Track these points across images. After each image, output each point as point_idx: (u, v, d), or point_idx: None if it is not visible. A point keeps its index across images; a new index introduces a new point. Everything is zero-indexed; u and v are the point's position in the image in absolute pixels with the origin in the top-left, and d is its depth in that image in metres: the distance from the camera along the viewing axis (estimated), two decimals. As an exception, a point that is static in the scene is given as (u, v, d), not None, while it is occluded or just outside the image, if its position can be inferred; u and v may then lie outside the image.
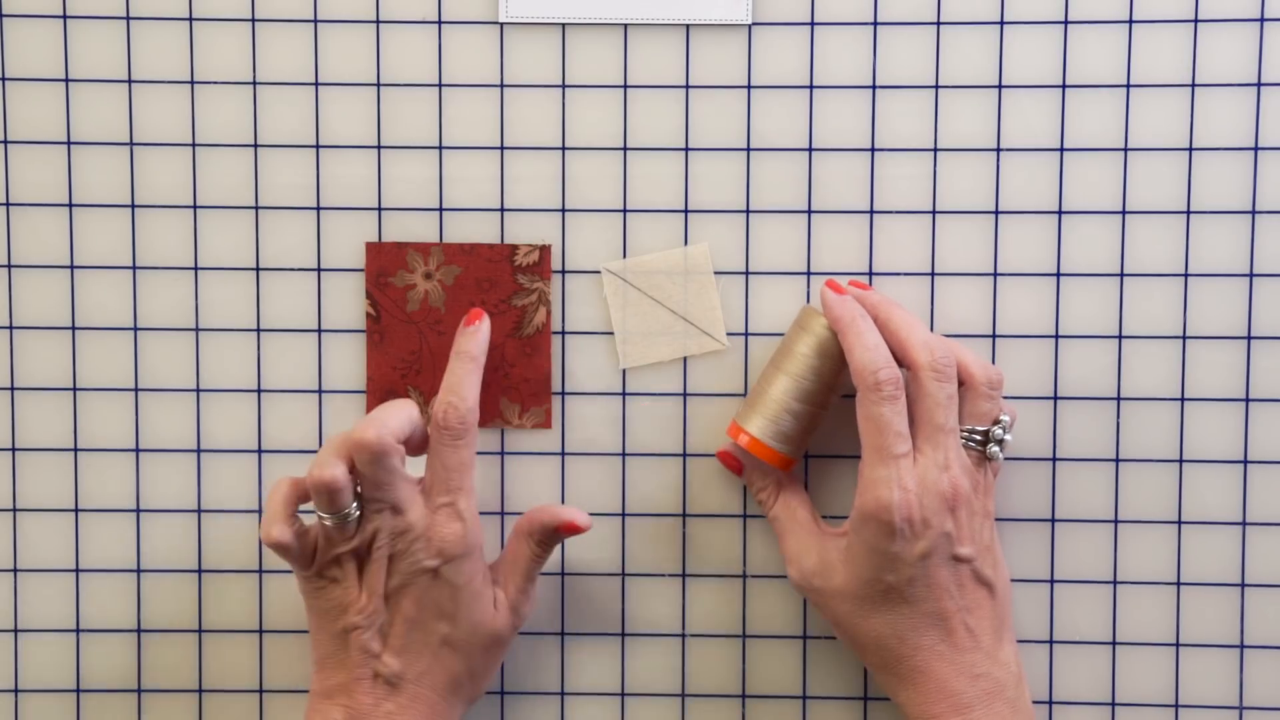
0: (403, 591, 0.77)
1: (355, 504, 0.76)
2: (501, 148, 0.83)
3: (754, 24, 0.83)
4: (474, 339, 0.81)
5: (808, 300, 0.83)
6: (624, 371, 0.84)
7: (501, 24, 0.83)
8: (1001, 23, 0.82)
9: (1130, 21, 0.82)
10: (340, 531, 0.76)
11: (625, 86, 0.83)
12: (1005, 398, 0.80)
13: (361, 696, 0.77)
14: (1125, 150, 0.82)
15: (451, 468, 0.77)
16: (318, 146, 0.84)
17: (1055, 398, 0.83)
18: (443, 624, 0.77)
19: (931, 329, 0.83)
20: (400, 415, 0.77)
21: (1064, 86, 0.82)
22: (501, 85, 0.83)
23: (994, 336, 0.83)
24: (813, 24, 0.83)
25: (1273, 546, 0.84)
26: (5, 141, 0.84)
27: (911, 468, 0.76)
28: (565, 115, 0.83)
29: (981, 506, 0.78)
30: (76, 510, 0.85)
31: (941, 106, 0.83)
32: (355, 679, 0.77)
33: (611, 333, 0.84)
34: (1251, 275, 0.83)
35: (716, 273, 0.84)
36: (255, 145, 0.84)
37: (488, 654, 0.79)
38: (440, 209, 0.84)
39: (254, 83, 0.83)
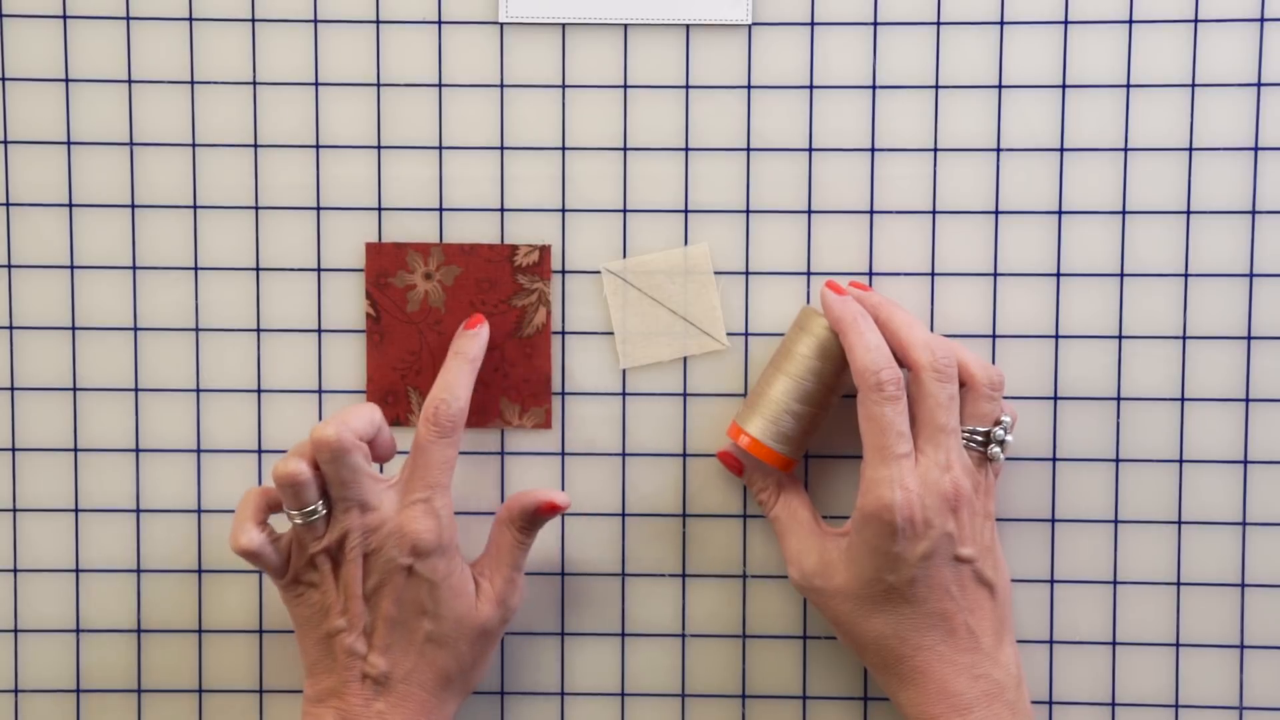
0: (381, 590, 0.77)
1: (322, 502, 0.76)
2: (501, 148, 0.83)
3: (754, 24, 0.83)
4: (473, 341, 0.81)
5: (808, 300, 0.83)
6: (624, 371, 0.84)
7: (501, 24, 0.83)
8: (1001, 23, 0.82)
9: (1130, 21, 0.82)
10: (310, 531, 0.76)
11: (625, 86, 0.83)
12: (1005, 398, 0.80)
13: (352, 698, 0.77)
14: (1125, 150, 0.82)
15: (433, 464, 0.77)
16: (318, 146, 0.84)
17: (1055, 398, 0.83)
18: (425, 621, 0.77)
19: (931, 329, 0.83)
20: (362, 417, 0.77)
21: (1064, 86, 0.82)
22: (501, 85, 0.83)
23: (994, 336, 0.83)
24: (813, 24, 0.83)
25: (1273, 546, 0.84)
26: (5, 141, 0.84)
27: (913, 468, 0.76)
28: (565, 115, 0.83)
29: (982, 507, 0.78)
30: (76, 510, 0.85)
31: (941, 106, 0.83)
32: (344, 682, 0.77)
33: (611, 333, 0.84)
34: (1251, 275, 0.83)
35: (716, 273, 0.84)
36: (255, 145, 0.84)
37: (475, 647, 0.79)
38: (440, 209, 0.84)
39: (254, 83, 0.83)
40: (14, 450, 0.85)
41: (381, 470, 0.82)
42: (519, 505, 0.80)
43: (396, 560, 0.76)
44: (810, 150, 0.83)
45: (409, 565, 0.76)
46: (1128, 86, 0.82)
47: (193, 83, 0.83)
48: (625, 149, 0.83)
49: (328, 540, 0.76)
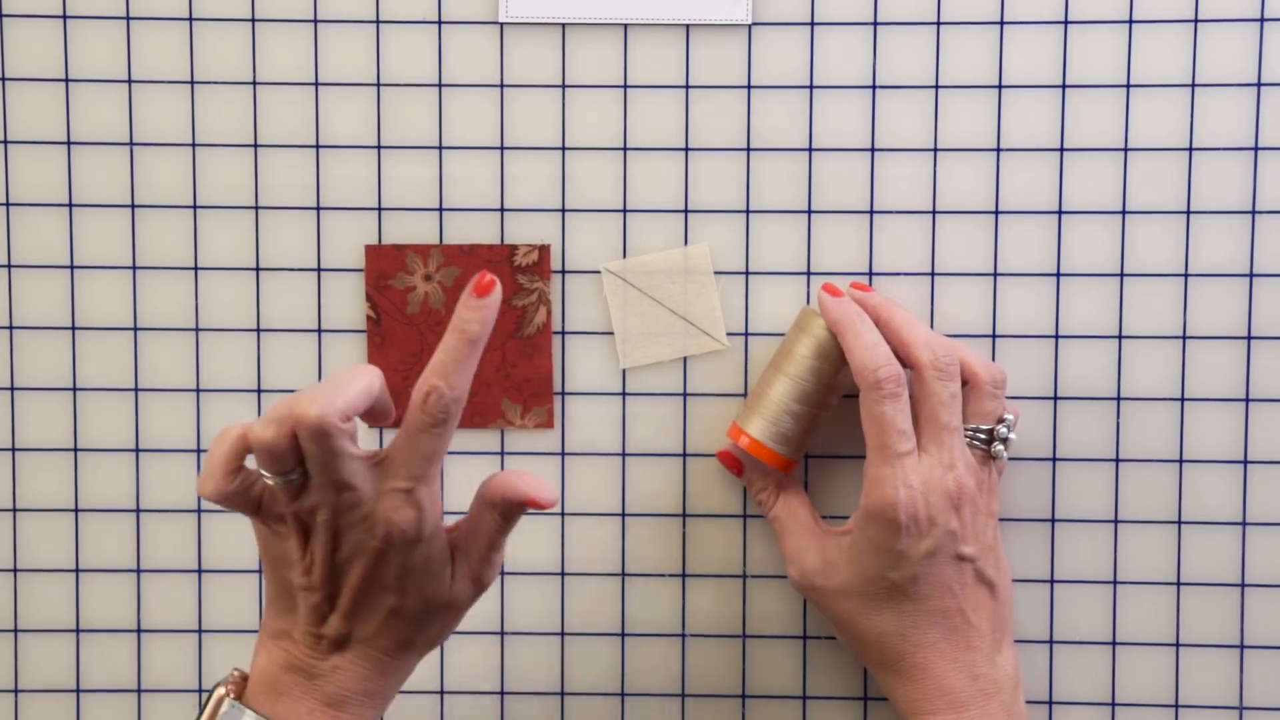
0: (351, 562, 0.71)
1: (299, 470, 0.69)
2: (501, 148, 0.83)
3: (754, 24, 0.83)
4: (478, 314, 0.69)
5: (808, 301, 0.83)
6: (624, 371, 0.84)
7: (501, 24, 0.83)
8: (1001, 23, 0.82)
9: (1130, 21, 0.82)
10: (283, 492, 0.70)
11: (625, 86, 0.83)
12: (1005, 398, 0.80)
13: (309, 648, 0.72)
14: (1125, 150, 0.83)
15: (420, 454, 0.70)
16: (318, 146, 0.84)
17: (1055, 398, 0.83)
18: (391, 597, 0.72)
19: (931, 329, 0.83)
20: (355, 388, 0.69)
21: (1064, 86, 0.82)
22: (501, 85, 0.83)
23: (994, 336, 0.83)
24: (813, 24, 0.83)
25: (1273, 546, 0.84)
26: (5, 141, 0.84)
27: (916, 466, 0.76)
28: (565, 115, 0.83)
29: (986, 506, 0.78)
30: (76, 510, 0.85)
31: (941, 106, 0.83)
32: (303, 633, 0.72)
33: (611, 333, 0.84)
34: (1251, 275, 0.83)
35: (716, 273, 0.84)
36: (255, 145, 0.84)
37: (441, 619, 0.74)
38: (440, 209, 0.84)
39: (254, 83, 0.83)
40: (14, 450, 0.85)
41: (382, 435, 0.81)
42: (500, 492, 0.73)
43: (368, 543, 0.71)
44: (810, 150, 0.83)
45: (381, 549, 0.71)
46: (1128, 86, 0.82)
47: (193, 83, 0.83)
48: (625, 149, 0.83)
49: (298, 506, 0.71)
